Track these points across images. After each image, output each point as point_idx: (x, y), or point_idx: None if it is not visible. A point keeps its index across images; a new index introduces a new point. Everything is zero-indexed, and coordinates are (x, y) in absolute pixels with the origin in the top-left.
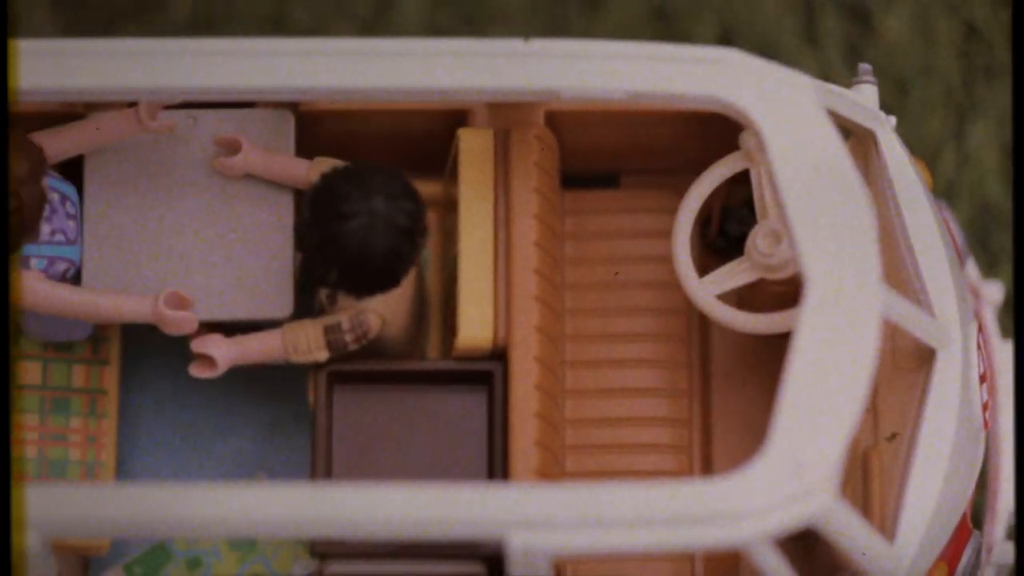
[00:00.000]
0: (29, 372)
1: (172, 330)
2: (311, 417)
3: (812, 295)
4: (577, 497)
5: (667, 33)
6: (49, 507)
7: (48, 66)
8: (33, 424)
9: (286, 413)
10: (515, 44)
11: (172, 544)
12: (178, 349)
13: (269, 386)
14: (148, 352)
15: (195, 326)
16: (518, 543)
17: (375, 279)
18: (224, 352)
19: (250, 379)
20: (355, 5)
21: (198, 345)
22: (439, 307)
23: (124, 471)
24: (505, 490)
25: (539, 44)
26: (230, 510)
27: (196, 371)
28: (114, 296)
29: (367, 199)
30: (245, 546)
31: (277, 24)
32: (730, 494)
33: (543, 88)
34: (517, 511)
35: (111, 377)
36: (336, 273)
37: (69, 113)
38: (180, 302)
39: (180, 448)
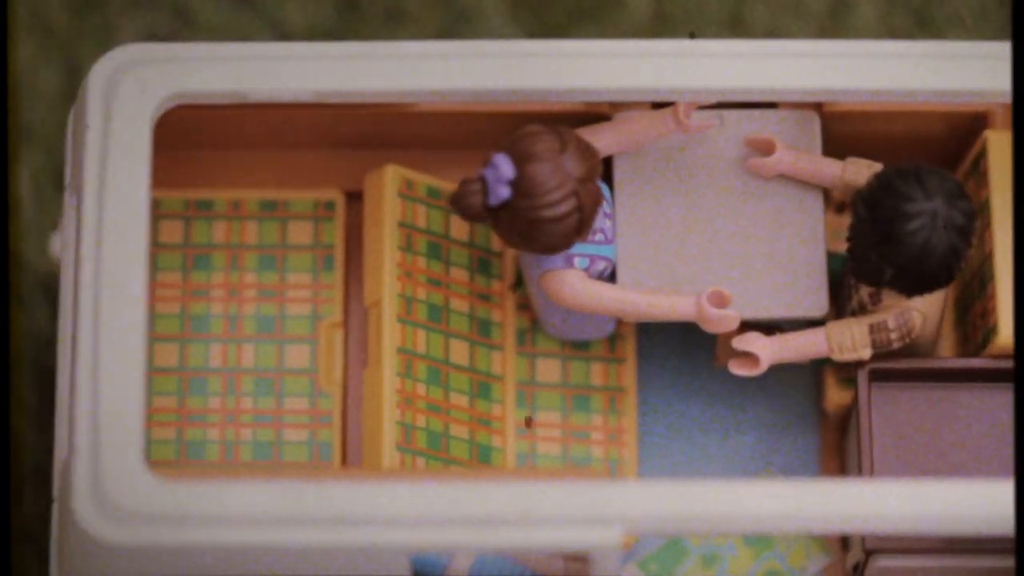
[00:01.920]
0: (549, 370)
1: (715, 328)
2: (820, 415)
3: None
4: None
5: None
6: (636, 504)
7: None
8: (556, 421)
9: (792, 411)
10: None
11: (687, 540)
12: (687, 346)
13: (775, 384)
14: (660, 350)
15: (737, 324)
16: None
17: (932, 278)
18: (768, 350)
19: (758, 377)
20: (811, 6)
21: (741, 343)
22: (952, 305)
23: (640, 468)
24: None
25: None
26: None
27: (737, 369)
28: (655, 295)
29: (928, 199)
30: (760, 542)
31: (734, 24)
32: None
33: None
34: None
35: (629, 374)
36: (892, 272)
37: (592, 112)
38: (722, 300)
39: (691, 444)
